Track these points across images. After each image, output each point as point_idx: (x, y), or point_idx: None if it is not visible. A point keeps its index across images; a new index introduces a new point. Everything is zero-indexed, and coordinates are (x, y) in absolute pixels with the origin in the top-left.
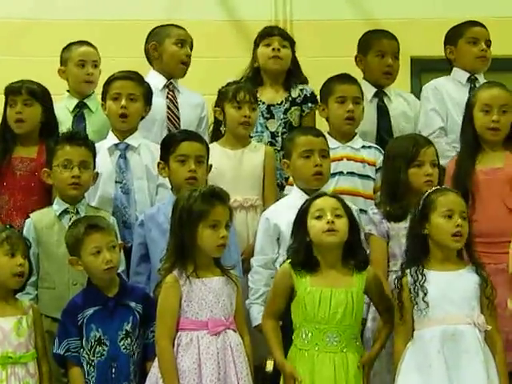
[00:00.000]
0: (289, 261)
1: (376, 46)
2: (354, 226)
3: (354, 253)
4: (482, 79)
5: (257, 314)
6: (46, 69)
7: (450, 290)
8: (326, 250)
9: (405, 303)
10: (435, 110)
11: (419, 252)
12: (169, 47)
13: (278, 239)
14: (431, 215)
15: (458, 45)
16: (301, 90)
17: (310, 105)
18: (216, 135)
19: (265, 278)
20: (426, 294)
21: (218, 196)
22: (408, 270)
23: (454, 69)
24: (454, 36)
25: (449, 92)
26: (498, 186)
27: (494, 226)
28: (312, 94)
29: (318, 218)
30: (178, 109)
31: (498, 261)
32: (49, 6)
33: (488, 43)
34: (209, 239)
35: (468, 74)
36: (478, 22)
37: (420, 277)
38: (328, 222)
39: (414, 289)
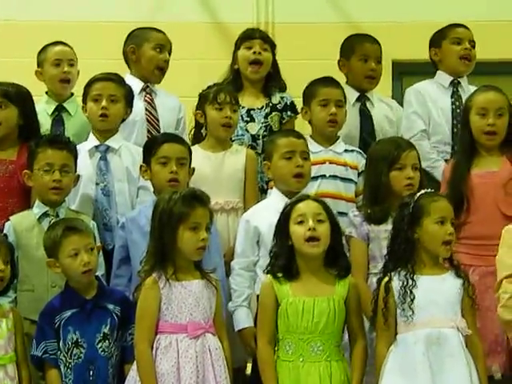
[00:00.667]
0: (269, 275)
1: (359, 50)
2: (335, 230)
3: (336, 259)
4: (465, 83)
5: (245, 317)
6: (24, 70)
7: (436, 294)
8: (308, 258)
9: (390, 307)
10: (417, 113)
11: (408, 256)
12: (147, 51)
13: (258, 242)
14: (424, 220)
15: (442, 46)
16: (281, 97)
17: (289, 113)
18: (197, 138)
19: (247, 280)
20: (412, 300)
21: (198, 198)
22: (396, 275)
23: (438, 72)
24: (438, 38)
25: (431, 95)
26: (493, 190)
27: (487, 229)
28: (292, 103)
29: (300, 223)
30: (156, 111)
31: (489, 263)
32: (28, 7)
33: (472, 43)
34: (189, 242)
35: (451, 78)
36: (460, 24)
37: (410, 281)
38: (310, 229)
39: (403, 294)
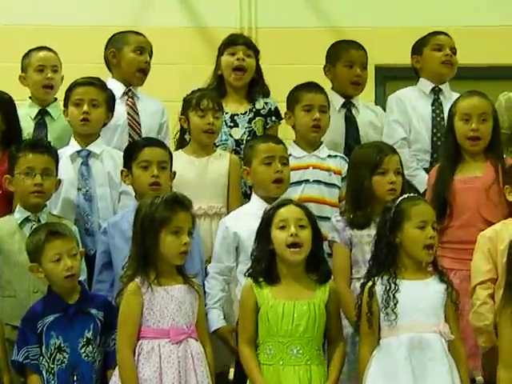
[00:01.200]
0: (249, 278)
1: (344, 56)
2: (317, 235)
3: (316, 264)
4: (447, 90)
5: (216, 317)
6: (8, 75)
7: (418, 299)
8: (289, 263)
9: (374, 312)
10: (398, 121)
11: (390, 261)
12: (127, 54)
13: (238, 247)
14: (404, 224)
15: (423, 53)
16: (265, 103)
17: (273, 118)
18: (181, 143)
19: (221, 284)
20: (396, 304)
21: (180, 203)
22: (379, 279)
23: (420, 79)
24: (419, 46)
25: (412, 103)
26: (475, 195)
27: (468, 234)
28: (276, 108)
29: (282, 228)
30: (138, 115)
31: (469, 267)
32: (11, 12)
33: (453, 50)
34: (171, 246)
35: (432, 85)
36: (441, 31)
37: (392, 286)
38: (292, 235)
39: (386, 298)
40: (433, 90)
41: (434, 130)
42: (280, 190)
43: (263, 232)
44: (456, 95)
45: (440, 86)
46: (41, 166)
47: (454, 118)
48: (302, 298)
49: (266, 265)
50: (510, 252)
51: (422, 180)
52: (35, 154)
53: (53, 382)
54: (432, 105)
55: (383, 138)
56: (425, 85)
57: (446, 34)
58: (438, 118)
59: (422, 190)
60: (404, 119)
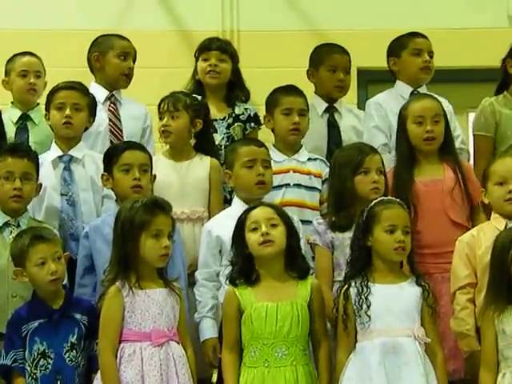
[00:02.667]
0: (230, 284)
1: (327, 60)
2: (292, 233)
3: (294, 261)
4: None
5: (210, 327)
6: None
7: (392, 302)
8: (266, 262)
9: (349, 314)
10: (377, 127)
11: (363, 264)
12: (112, 59)
13: (220, 251)
14: (374, 228)
15: (401, 56)
16: (245, 108)
17: (252, 124)
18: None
19: (211, 290)
20: (369, 307)
21: (159, 206)
22: (353, 282)
23: (397, 82)
24: (397, 48)
25: (392, 108)
26: (439, 198)
27: (436, 237)
28: (255, 114)
29: (254, 230)
30: (120, 121)
31: (444, 270)
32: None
33: (431, 54)
34: (151, 249)
35: (411, 89)
36: (420, 33)
37: (364, 289)
38: (263, 234)
39: (359, 301)
40: (411, 94)
41: None
42: (262, 190)
43: (238, 236)
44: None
45: (418, 90)
46: (20, 171)
47: (406, 121)
48: (284, 299)
49: (244, 268)
50: (493, 254)
51: None
52: (15, 158)
53: None
54: None
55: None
56: (402, 88)
57: (424, 37)
58: None
59: None
60: (384, 125)
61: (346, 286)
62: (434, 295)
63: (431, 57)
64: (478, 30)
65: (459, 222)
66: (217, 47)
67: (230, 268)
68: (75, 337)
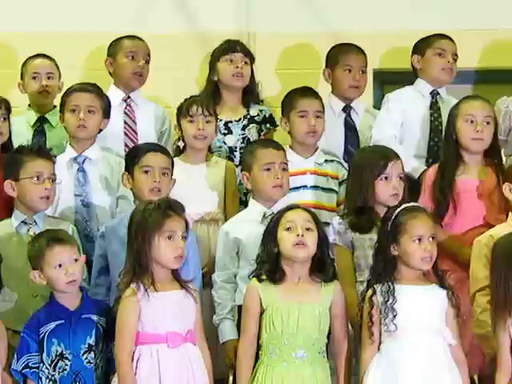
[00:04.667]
0: (254, 279)
1: (343, 60)
2: (323, 240)
3: (322, 267)
4: (444, 94)
5: (230, 329)
6: (8, 82)
7: (420, 304)
8: (294, 263)
9: (375, 321)
10: (390, 118)
11: (388, 272)
12: (120, 60)
13: (238, 253)
14: (401, 238)
15: (425, 54)
16: (260, 110)
17: (268, 126)
18: (178, 151)
19: (230, 292)
20: (395, 316)
21: (172, 208)
22: (378, 289)
23: (418, 80)
24: (422, 46)
25: (410, 104)
26: (479, 199)
27: (470, 238)
28: (271, 115)
29: (289, 229)
30: (135, 123)
31: (466, 268)
32: (9, 18)
33: (455, 57)
34: (165, 251)
35: (431, 88)
36: (447, 35)
37: (391, 298)
38: (298, 235)
39: (385, 309)
40: (431, 93)
41: (432, 135)
42: (280, 193)
43: (270, 234)
44: (453, 99)
45: (438, 90)
46: (49, 172)
47: (456, 119)
48: (306, 301)
49: (271, 266)
50: (498, 259)
51: (414, 168)
52: (43, 160)
53: None
54: (430, 108)
55: (372, 132)
56: (423, 86)
57: (450, 39)
58: (436, 123)
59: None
60: (397, 118)
61: (371, 292)
62: (458, 297)
63: (455, 60)
64: (494, 31)
65: (495, 226)
66: (241, 49)
67: (248, 270)
68: (92, 338)
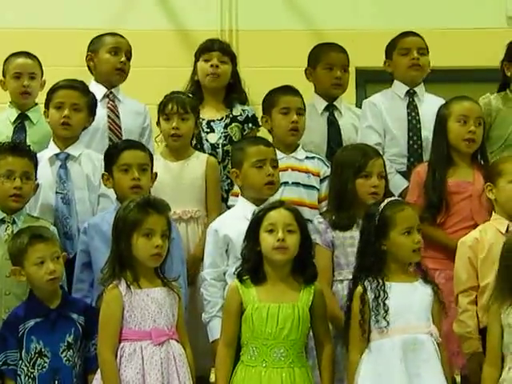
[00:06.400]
0: (236, 280)
1: (324, 59)
2: (305, 239)
3: (303, 267)
4: (420, 92)
5: (219, 327)
6: None
7: (409, 301)
8: (275, 264)
9: (366, 318)
10: (371, 126)
11: (378, 268)
12: (102, 56)
13: (227, 250)
14: (390, 232)
15: (392, 57)
16: (243, 109)
17: (250, 125)
18: None
19: (220, 290)
20: (386, 312)
21: (152, 205)
22: (368, 286)
23: (395, 82)
24: (389, 49)
25: (387, 107)
26: (469, 200)
27: (458, 237)
28: (253, 115)
29: (270, 231)
30: (118, 118)
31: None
32: None
33: (420, 51)
34: (143, 248)
35: (407, 88)
36: (410, 31)
37: (381, 293)
38: (278, 240)
39: (376, 306)
40: (407, 93)
41: (410, 134)
42: (272, 191)
43: (252, 233)
44: (430, 97)
45: (414, 89)
46: (21, 170)
47: (447, 120)
48: (286, 301)
49: (253, 265)
50: (502, 255)
51: (396, 184)
52: (15, 157)
53: None
54: (407, 108)
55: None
56: (399, 88)
57: (414, 34)
58: (414, 121)
59: (396, 194)
60: (378, 125)
61: (361, 289)
62: (442, 291)
63: (422, 54)
64: (476, 31)
65: None
66: (218, 48)
67: (239, 263)
68: (72, 336)
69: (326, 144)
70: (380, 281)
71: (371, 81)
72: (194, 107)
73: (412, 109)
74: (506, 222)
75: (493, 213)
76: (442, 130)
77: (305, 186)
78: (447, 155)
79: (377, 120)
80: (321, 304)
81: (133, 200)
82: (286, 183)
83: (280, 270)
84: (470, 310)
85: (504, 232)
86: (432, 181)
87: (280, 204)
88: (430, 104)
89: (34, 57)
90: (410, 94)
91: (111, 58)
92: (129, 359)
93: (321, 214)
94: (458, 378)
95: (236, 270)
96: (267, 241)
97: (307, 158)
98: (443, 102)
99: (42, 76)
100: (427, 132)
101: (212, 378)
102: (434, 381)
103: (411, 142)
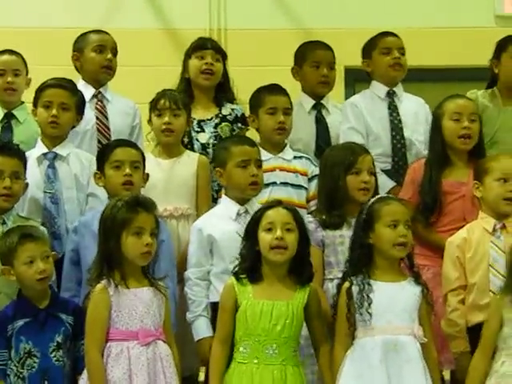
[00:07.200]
0: (232, 277)
1: (311, 57)
2: (303, 238)
3: (301, 266)
4: (399, 92)
5: (205, 326)
6: None
7: (393, 301)
8: (274, 265)
9: (353, 312)
10: (353, 128)
11: (363, 261)
12: (88, 55)
13: (211, 250)
14: (376, 225)
15: (372, 57)
16: (232, 109)
17: (239, 125)
18: None
19: (204, 289)
20: (370, 304)
21: (141, 204)
22: (354, 279)
23: (373, 82)
24: (368, 49)
25: (367, 108)
26: (461, 200)
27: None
28: (242, 115)
29: (268, 230)
30: (107, 119)
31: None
32: None
33: (401, 51)
34: (133, 247)
35: (386, 88)
36: (390, 32)
37: (366, 286)
38: (277, 238)
39: (360, 298)
40: (387, 93)
41: (393, 133)
42: (255, 191)
43: (250, 232)
44: (410, 96)
45: (394, 89)
46: (10, 169)
47: (441, 118)
48: (281, 299)
49: (250, 264)
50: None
51: (382, 184)
52: (4, 157)
53: None
54: (388, 108)
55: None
56: (378, 88)
57: (393, 35)
58: (396, 121)
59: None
60: (360, 126)
61: (348, 284)
62: (432, 294)
63: (402, 54)
64: (465, 29)
65: None
66: (212, 46)
67: (222, 267)
68: (61, 336)
69: (314, 142)
70: (366, 274)
71: (360, 80)
72: (186, 104)
73: (393, 109)
74: (493, 221)
75: (480, 212)
76: (438, 129)
77: (293, 185)
78: (444, 154)
79: (359, 121)
80: (316, 303)
81: (120, 199)
82: (274, 183)
83: (278, 269)
84: (459, 309)
85: (491, 231)
86: (428, 182)
87: (278, 203)
88: (409, 104)
89: (18, 54)
90: (390, 95)
91: (97, 56)
92: (116, 359)
93: (310, 213)
94: (447, 376)
95: (234, 268)
96: (265, 239)
97: (295, 157)
98: (422, 101)
99: (26, 73)
100: (409, 131)
101: (201, 377)
102: (414, 382)
103: (395, 142)
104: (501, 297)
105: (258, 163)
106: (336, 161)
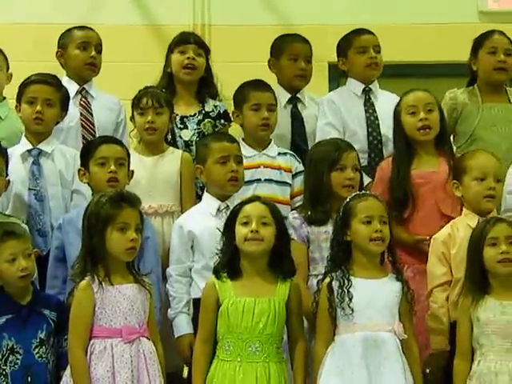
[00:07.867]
0: (213, 275)
1: (288, 49)
2: (281, 233)
3: (280, 261)
4: (376, 89)
5: (185, 323)
6: None
7: (374, 297)
8: (251, 257)
9: (334, 307)
10: (330, 123)
11: (342, 258)
12: (72, 52)
13: (192, 246)
14: (352, 221)
15: (348, 56)
16: (215, 105)
17: (223, 121)
18: None
19: (185, 286)
20: (351, 299)
21: (126, 199)
22: (334, 275)
23: (349, 79)
24: (343, 48)
25: (345, 105)
26: (433, 190)
27: (426, 229)
28: (225, 111)
29: (245, 224)
30: (91, 115)
31: (423, 261)
32: None
33: (376, 49)
34: (118, 242)
35: (363, 86)
36: (365, 29)
37: (346, 282)
38: (252, 231)
39: (341, 293)
40: (363, 90)
41: (370, 130)
42: (235, 187)
43: (228, 227)
44: (385, 93)
45: (370, 86)
46: None
47: (400, 114)
48: (262, 295)
49: (229, 259)
50: (468, 247)
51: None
52: None
53: (4, 383)
54: (364, 105)
55: (316, 141)
56: (354, 85)
57: (368, 32)
58: (372, 118)
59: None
60: (338, 122)
61: (329, 279)
62: (413, 291)
63: (378, 52)
64: (448, 25)
65: (451, 216)
66: (194, 41)
67: (203, 263)
68: (44, 333)
69: (289, 136)
70: (344, 270)
71: (344, 75)
72: (169, 102)
73: (369, 106)
74: (477, 217)
75: (464, 208)
76: (398, 124)
77: (277, 182)
78: (407, 148)
79: (336, 117)
80: (296, 299)
81: (104, 195)
82: (258, 180)
83: (256, 263)
84: (445, 307)
85: (474, 227)
86: (397, 177)
87: (256, 198)
88: (384, 100)
89: None
90: (366, 92)
91: (80, 53)
92: (99, 357)
93: (295, 209)
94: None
95: (214, 264)
96: (241, 232)
97: (279, 154)
98: (397, 97)
99: (7, 69)
100: (385, 128)
101: (185, 373)
102: (393, 378)
103: (371, 138)
104: (466, 298)
105: (238, 159)
106: (321, 157)
